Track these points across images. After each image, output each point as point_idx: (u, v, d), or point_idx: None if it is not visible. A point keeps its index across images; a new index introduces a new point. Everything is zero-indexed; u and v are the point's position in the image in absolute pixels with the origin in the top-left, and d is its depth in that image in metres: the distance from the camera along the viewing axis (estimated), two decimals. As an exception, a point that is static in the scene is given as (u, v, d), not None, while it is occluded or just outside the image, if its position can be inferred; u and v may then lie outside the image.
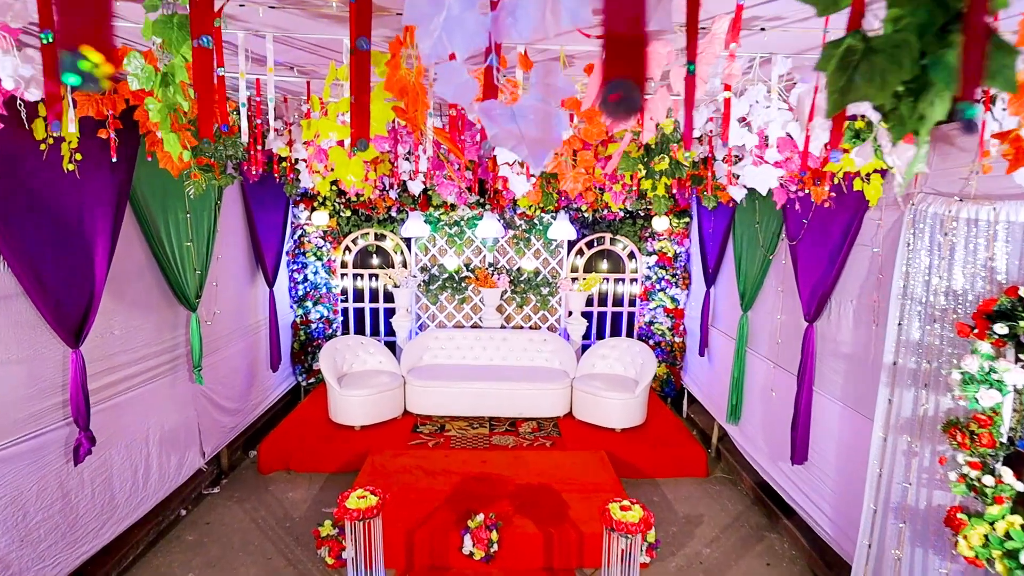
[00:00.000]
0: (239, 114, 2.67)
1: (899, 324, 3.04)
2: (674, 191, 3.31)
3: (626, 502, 3.29)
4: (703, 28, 2.02)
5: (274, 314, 6.00)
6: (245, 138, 2.12)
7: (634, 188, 3.40)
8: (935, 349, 2.86)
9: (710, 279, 6.21)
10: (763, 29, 2.19)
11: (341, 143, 2.15)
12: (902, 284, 3.01)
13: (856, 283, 3.66)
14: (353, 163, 2.06)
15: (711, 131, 3.33)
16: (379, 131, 2.05)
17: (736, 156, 3.54)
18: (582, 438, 5.77)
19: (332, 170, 2.86)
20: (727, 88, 1.66)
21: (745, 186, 3.38)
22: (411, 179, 3.78)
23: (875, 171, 2.94)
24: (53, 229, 3.04)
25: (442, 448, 5.47)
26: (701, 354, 6.38)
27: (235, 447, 5.61)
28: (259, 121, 2.78)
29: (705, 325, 6.29)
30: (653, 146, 2.86)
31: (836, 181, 2.91)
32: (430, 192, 6.47)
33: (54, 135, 2.75)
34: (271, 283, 5.96)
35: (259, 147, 3.15)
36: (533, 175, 2.91)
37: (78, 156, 2.89)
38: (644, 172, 2.87)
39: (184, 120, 2.05)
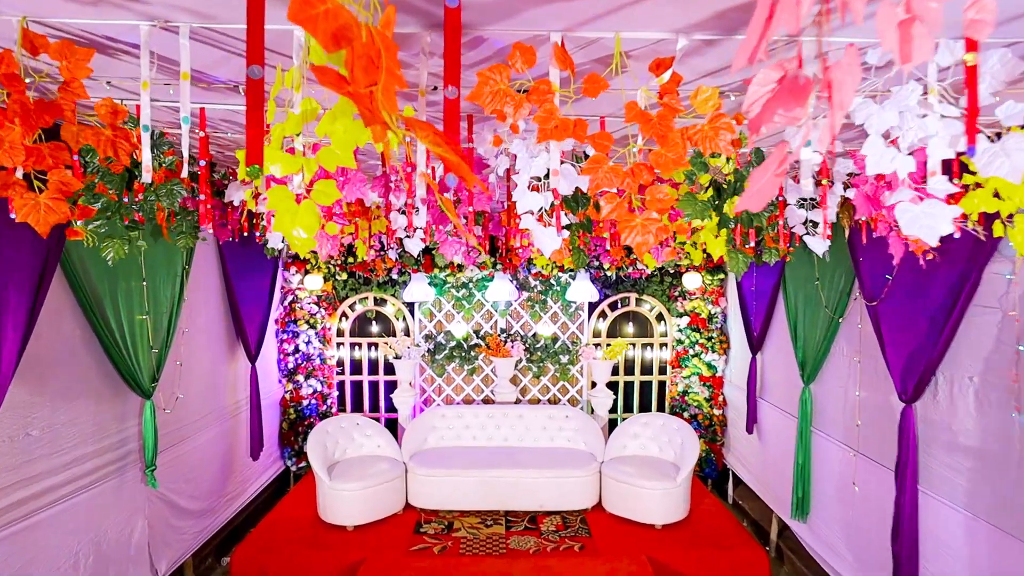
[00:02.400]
0: (156, 144, 2.00)
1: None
2: (750, 243, 2.58)
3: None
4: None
5: (256, 393, 5.22)
6: (147, 176, 1.42)
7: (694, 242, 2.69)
8: None
9: (756, 344, 5.40)
10: None
11: (286, 180, 1.44)
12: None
13: (976, 355, 2.85)
14: (303, 212, 1.34)
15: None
16: (345, 160, 1.34)
17: (804, 201, 2.83)
18: (616, 538, 4.83)
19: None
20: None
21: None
22: (408, 235, 3.07)
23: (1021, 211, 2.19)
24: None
25: (451, 555, 4.55)
26: (749, 431, 5.49)
27: (204, 555, 4.72)
28: (203, 163, 2.11)
29: (752, 397, 5.44)
30: (725, 186, 2.15)
31: (972, 226, 2.16)
32: (433, 251, 5.80)
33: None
34: (253, 358, 5.22)
35: (214, 199, 2.48)
36: (565, 228, 2.20)
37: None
38: (711, 219, 2.15)
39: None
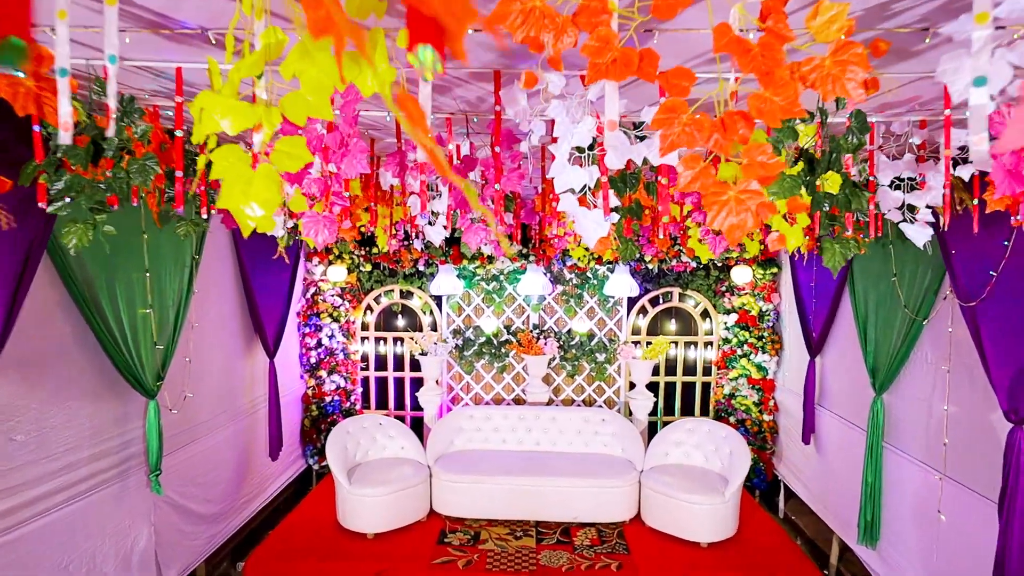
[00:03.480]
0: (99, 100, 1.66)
1: None
2: (846, 233, 2.12)
3: None
4: None
5: (274, 390, 4.95)
6: (64, 137, 1.06)
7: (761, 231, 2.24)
8: None
9: (815, 346, 4.88)
10: None
11: (250, 148, 1.06)
12: None
13: (1115, 371, 2.33)
14: (259, 180, 0.96)
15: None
16: (318, 109, 0.95)
17: (901, 181, 2.34)
18: (657, 556, 4.41)
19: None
20: None
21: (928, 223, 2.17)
22: (428, 221, 2.70)
23: None
24: None
25: (476, 570, 4.20)
26: (806, 441, 4.98)
27: (218, 560, 4.48)
28: (179, 134, 1.76)
29: (810, 405, 4.92)
30: (820, 158, 1.71)
31: None
32: (460, 240, 5.42)
33: None
34: (272, 353, 4.94)
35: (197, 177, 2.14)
36: (614, 210, 1.78)
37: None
38: (803, 197, 1.71)
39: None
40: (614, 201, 1.68)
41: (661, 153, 0.99)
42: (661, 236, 2.27)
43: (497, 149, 1.75)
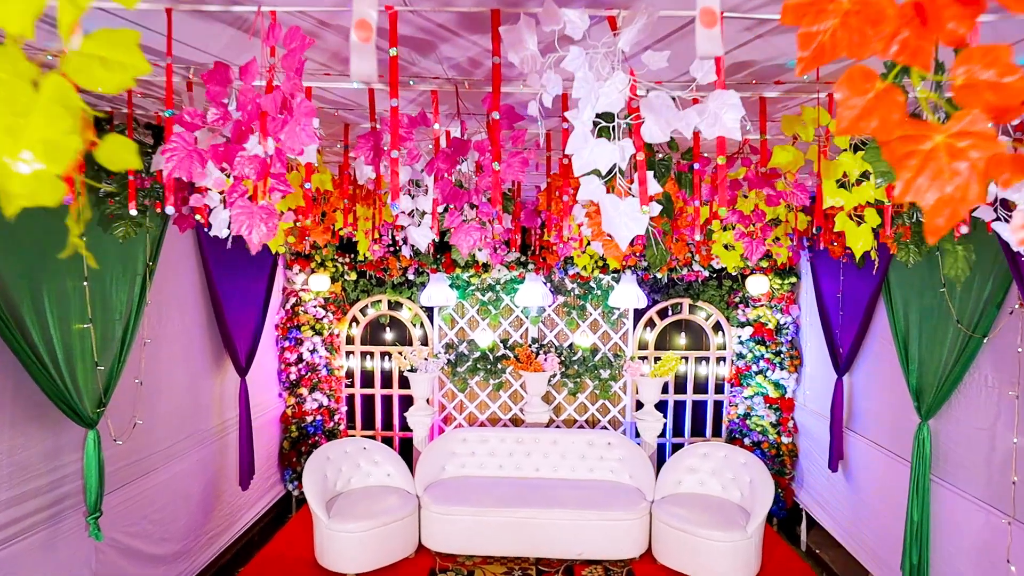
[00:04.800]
0: None
1: None
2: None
3: None
4: None
5: (246, 411, 4.46)
6: None
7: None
8: None
9: (843, 363, 4.43)
10: None
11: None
12: None
13: None
14: (41, 105, 0.50)
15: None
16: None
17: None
18: (673, 601, 3.93)
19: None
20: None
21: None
22: (407, 217, 2.24)
23: None
24: None
25: (468, 619, 3.72)
26: (833, 467, 4.52)
27: (178, 606, 3.96)
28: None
29: (838, 428, 4.46)
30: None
31: None
32: (451, 246, 4.98)
33: None
34: (243, 370, 4.45)
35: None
36: (654, 201, 1.33)
37: None
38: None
39: None
40: (654, 187, 1.21)
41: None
42: (698, 237, 1.82)
43: (496, 116, 1.31)
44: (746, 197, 2.31)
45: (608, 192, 1.26)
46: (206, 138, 1.34)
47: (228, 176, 1.32)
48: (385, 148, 1.91)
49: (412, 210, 2.50)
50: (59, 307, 2.73)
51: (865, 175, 1.79)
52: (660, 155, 1.84)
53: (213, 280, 4.08)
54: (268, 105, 1.23)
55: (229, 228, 2.02)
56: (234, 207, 1.27)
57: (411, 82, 1.77)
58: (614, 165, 1.26)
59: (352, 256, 5.45)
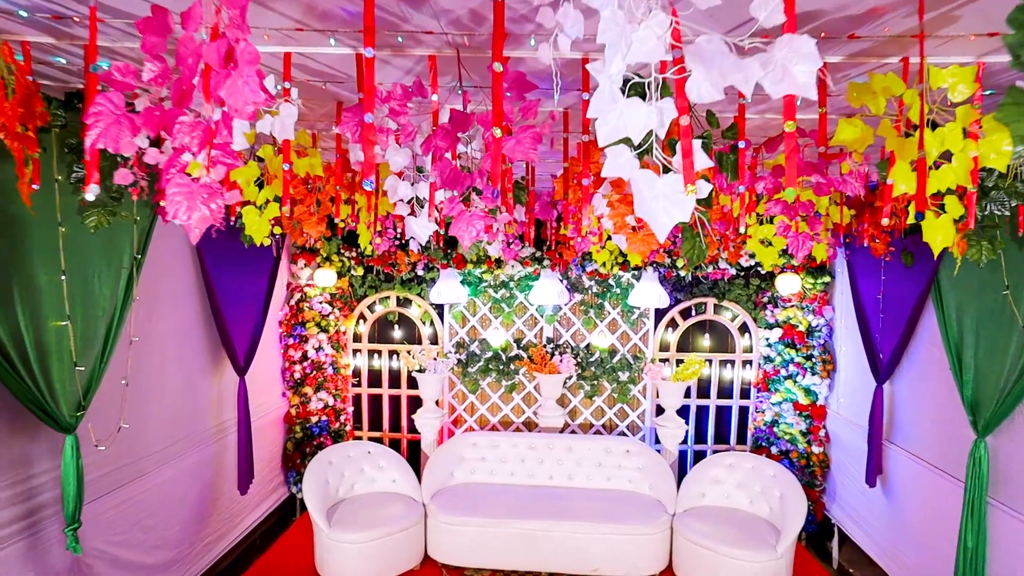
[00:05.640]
0: None
1: None
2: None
3: None
4: None
5: (244, 412, 4.24)
6: None
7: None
8: None
9: (883, 370, 4.09)
10: None
11: None
12: None
13: None
14: None
15: None
16: None
17: None
18: (696, 625, 3.65)
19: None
20: None
21: None
22: (405, 207, 1.98)
23: None
24: None
25: (475, 640, 3.47)
26: (871, 483, 4.19)
27: (172, 617, 3.77)
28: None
29: (877, 439, 4.12)
30: None
31: None
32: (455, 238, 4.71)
33: None
34: (242, 370, 4.24)
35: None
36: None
37: None
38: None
39: None
40: (703, 160, 0.93)
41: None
42: (742, 230, 1.53)
43: (498, 68, 1.03)
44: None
45: (641, 168, 0.98)
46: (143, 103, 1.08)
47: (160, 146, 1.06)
48: (378, 125, 1.65)
49: (412, 199, 2.24)
50: (30, 304, 2.51)
51: (946, 156, 1.49)
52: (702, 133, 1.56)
53: (209, 274, 3.86)
54: (210, 56, 0.97)
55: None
56: (170, 185, 1.01)
57: (399, 39, 1.49)
58: (650, 133, 0.98)
59: (359, 250, 5.22)
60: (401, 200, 2.11)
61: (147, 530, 3.45)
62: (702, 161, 0.96)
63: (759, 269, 5.14)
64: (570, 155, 2.22)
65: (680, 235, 1.68)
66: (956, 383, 3.30)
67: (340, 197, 2.54)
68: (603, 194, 2.06)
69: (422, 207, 2.00)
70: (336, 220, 2.75)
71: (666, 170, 0.99)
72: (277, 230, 2.51)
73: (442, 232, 2.22)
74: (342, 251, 5.24)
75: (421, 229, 2.07)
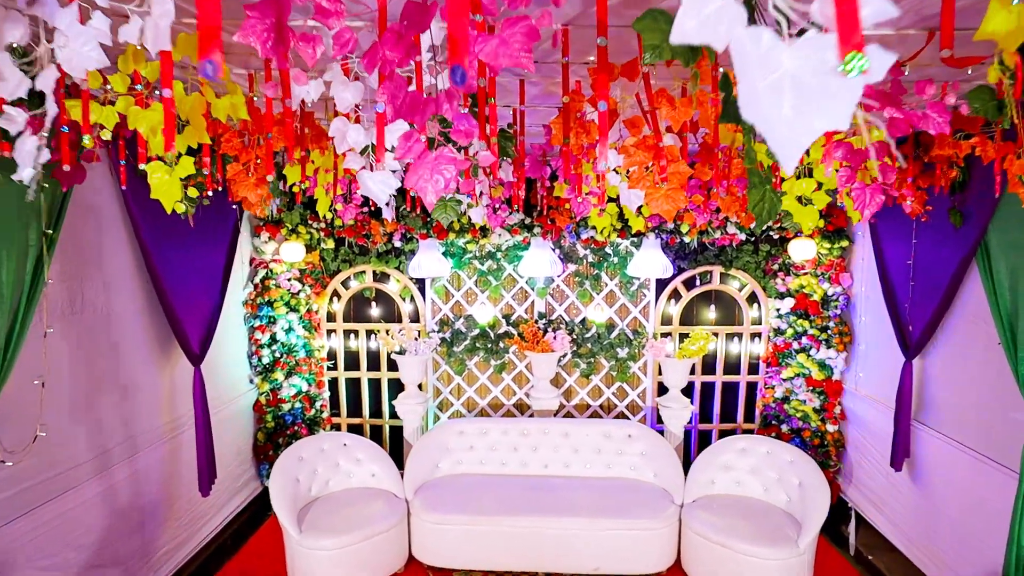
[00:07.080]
0: None
1: None
2: None
3: None
4: None
5: (201, 407, 3.75)
6: None
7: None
8: None
9: (913, 344, 3.68)
10: None
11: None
12: None
13: None
14: None
15: None
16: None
17: None
18: (710, 630, 3.29)
19: None
20: None
21: None
22: (358, 160, 1.48)
23: None
24: None
25: (465, 657, 3.08)
26: (897, 466, 3.82)
27: (124, 637, 3.35)
28: None
29: (905, 420, 3.73)
30: None
31: None
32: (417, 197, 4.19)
33: None
34: (197, 358, 3.74)
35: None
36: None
37: None
38: None
39: None
40: (877, 5, 0.43)
41: None
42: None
43: None
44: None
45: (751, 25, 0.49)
46: None
47: None
48: (296, 38, 1.14)
49: (368, 147, 1.74)
50: None
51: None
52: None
53: (149, 251, 3.32)
54: None
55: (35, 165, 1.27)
56: None
57: None
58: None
59: (328, 220, 4.69)
60: (352, 150, 1.61)
61: (83, 549, 3.00)
62: (877, 6, 0.47)
63: (771, 233, 4.69)
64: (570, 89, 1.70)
65: (744, 182, 1.19)
66: (1009, 361, 2.88)
67: (293, 154, 2.00)
68: (612, 142, 1.57)
69: (373, 154, 1.50)
70: (284, 184, 2.24)
71: (800, 32, 0.49)
72: (193, 193, 1.98)
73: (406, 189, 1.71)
74: (310, 221, 4.71)
75: (378, 186, 1.56)
